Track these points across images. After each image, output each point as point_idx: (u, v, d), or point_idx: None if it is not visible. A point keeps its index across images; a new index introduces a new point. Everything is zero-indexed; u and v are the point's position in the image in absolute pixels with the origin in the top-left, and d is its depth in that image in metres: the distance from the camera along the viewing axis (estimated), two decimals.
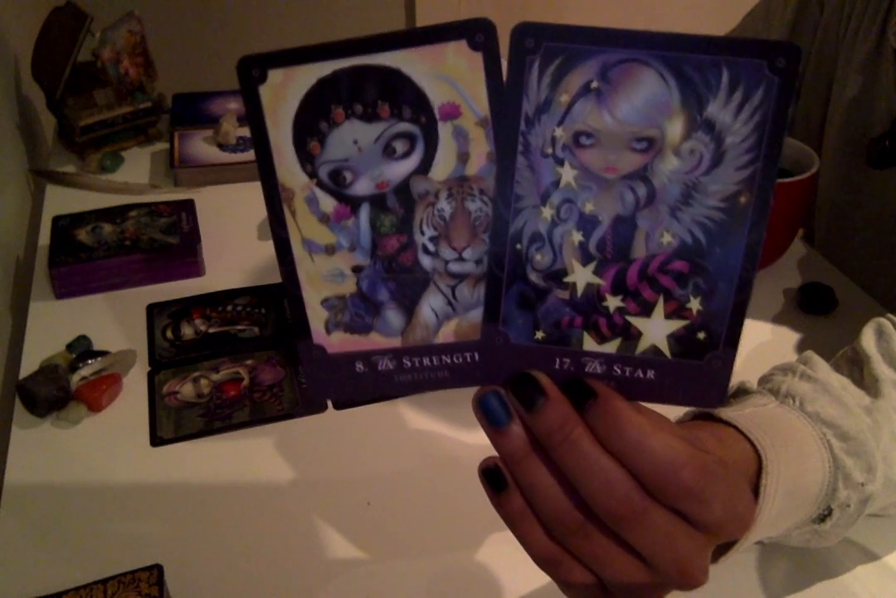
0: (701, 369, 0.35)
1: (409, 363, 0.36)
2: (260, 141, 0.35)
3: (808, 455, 0.45)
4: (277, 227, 0.36)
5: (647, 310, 0.34)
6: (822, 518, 0.46)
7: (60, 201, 0.94)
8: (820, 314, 0.78)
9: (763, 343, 0.75)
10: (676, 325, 0.34)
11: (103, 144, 1.03)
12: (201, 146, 1.03)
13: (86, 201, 0.93)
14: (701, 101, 0.32)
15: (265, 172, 0.35)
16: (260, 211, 0.93)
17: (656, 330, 0.35)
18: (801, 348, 0.75)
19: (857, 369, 0.53)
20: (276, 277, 0.83)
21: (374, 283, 0.36)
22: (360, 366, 0.37)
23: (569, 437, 0.34)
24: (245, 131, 1.04)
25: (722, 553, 0.41)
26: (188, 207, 0.89)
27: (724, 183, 0.33)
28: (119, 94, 1.01)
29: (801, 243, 0.88)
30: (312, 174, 0.35)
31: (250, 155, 1.01)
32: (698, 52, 0.31)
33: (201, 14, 1.86)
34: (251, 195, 0.96)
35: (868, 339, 0.54)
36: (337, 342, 0.37)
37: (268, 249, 0.89)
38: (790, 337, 0.76)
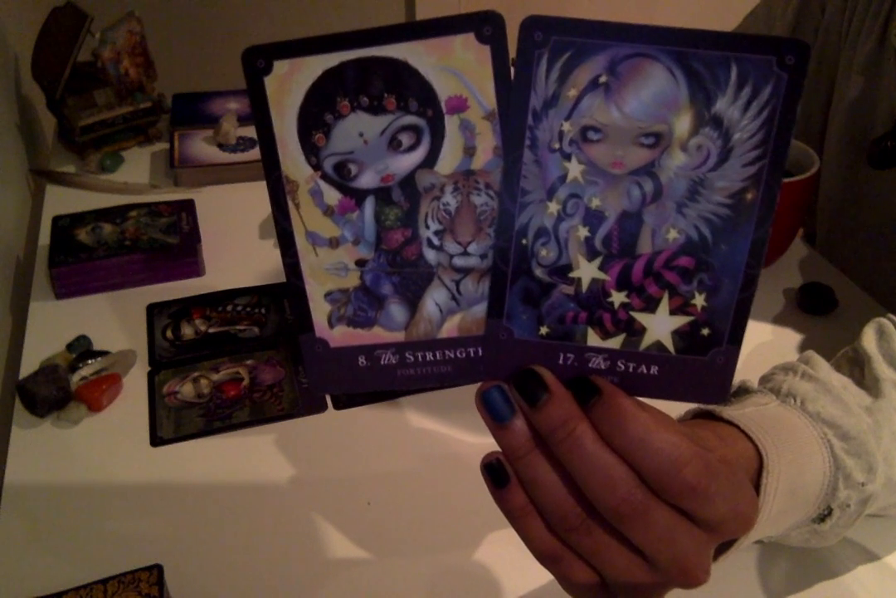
0: (704, 366, 0.35)
1: (411, 358, 0.36)
2: (264, 132, 0.35)
3: (809, 455, 0.45)
4: (281, 219, 0.36)
5: (651, 306, 0.34)
6: (822, 518, 0.46)
7: (60, 201, 0.94)
8: (820, 314, 0.78)
9: (763, 343, 0.75)
10: (681, 321, 0.34)
11: (103, 144, 1.03)
12: (201, 146, 1.03)
13: (86, 201, 0.93)
14: (709, 96, 0.32)
15: (269, 163, 0.35)
16: (260, 211, 0.93)
17: (661, 326, 0.35)
18: (801, 348, 0.75)
19: (858, 369, 0.53)
20: (276, 278, 0.83)
21: (377, 277, 0.36)
22: (362, 360, 0.37)
23: (572, 433, 0.34)
24: (245, 131, 1.04)
25: (722, 552, 0.41)
26: (188, 207, 0.89)
27: (730, 179, 0.33)
28: (119, 94, 1.01)
29: (801, 243, 0.88)
30: (317, 166, 0.35)
31: (250, 155, 1.01)
32: (707, 47, 0.31)
33: (201, 14, 1.86)
34: (251, 195, 0.97)
35: (869, 339, 0.54)
36: (339, 336, 0.37)
37: (268, 249, 0.89)
38: (790, 337, 0.76)
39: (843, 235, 0.86)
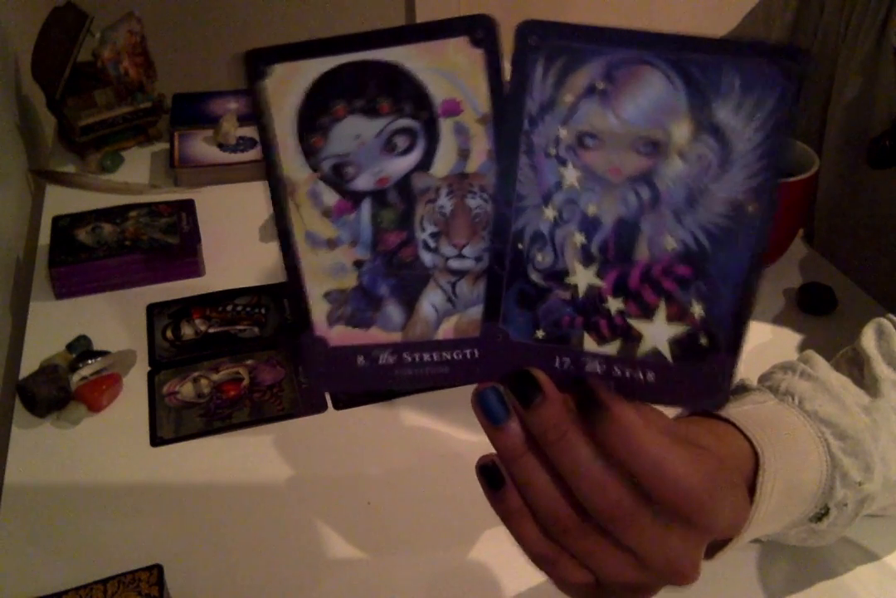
0: (702, 374, 0.34)
1: (409, 358, 0.37)
2: (264, 134, 0.35)
3: (806, 453, 0.45)
4: (281, 219, 0.36)
5: (648, 313, 0.34)
6: (820, 517, 0.46)
7: (60, 201, 0.94)
8: (820, 314, 0.78)
9: (763, 343, 0.75)
10: (678, 329, 0.34)
11: (103, 144, 1.02)
12: (201, 146, 1.03)
13: (86, 201, 0.93)
14: (709, 104, 0.31)
15: (269, 164, 0.35)
16: (260, 211, 0.93)
17: (658, 333, 0.34)
18: (801, 348, 0.75)
19: (857, 369, 0.53)
20: (276, 277, 0.83)
21: (374, 278, 0.36)
22: (360, 359, 0.37)
23: (564, 435, 0.34)
24: (245, 131, 1.04)
25: (717, 550, 0.41)
26: (188, 207, 0.89)
27: (731, 190, 0.32)
28: (119, 95, 1.01)
29: (801, 243, 0.88)
30: (316, 168, 0.35)
31: (250, 155, 1.01)
32: (707, 53, 0.30)
33: (201, 14, 1.86)
34: (251, 195, 0.97)
35: (868, 339, 0.54)
36: (338, 335, 0.37)
37: (268, 249, 0.89)
38: (790, 337, 0.76)
39: (843, 234, 0.86)
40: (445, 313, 0.36)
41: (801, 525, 0.47)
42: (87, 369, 0.69)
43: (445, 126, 0.34)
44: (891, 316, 0.56)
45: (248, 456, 0.63)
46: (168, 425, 0.66)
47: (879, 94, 0.76)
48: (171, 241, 0.83)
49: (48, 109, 1.03)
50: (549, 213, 0.34)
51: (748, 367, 0.65)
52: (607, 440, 0.33)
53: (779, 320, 0.78)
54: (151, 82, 1.05)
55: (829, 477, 0.45)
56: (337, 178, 0.35)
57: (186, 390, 0.69)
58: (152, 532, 0.58)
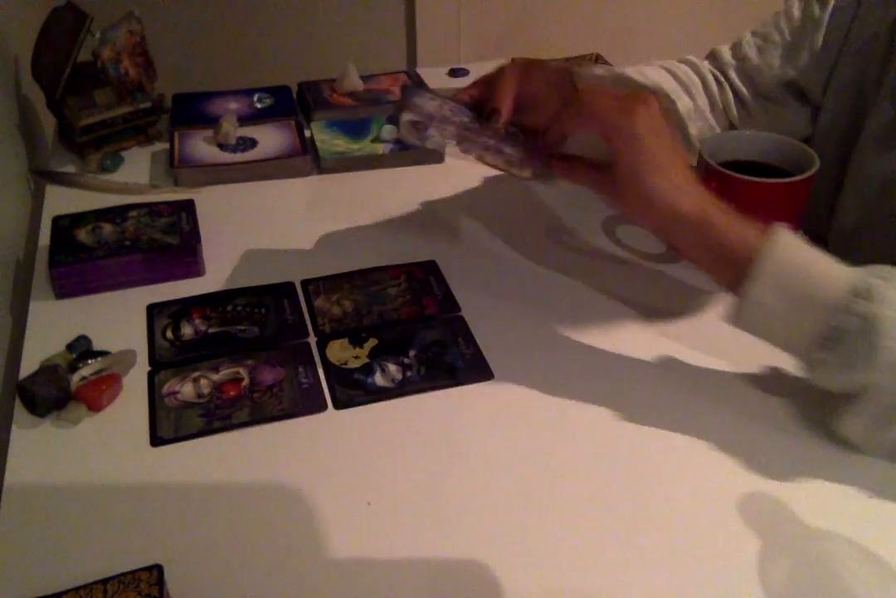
0: None
1: None
2: None
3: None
4: None
5: None
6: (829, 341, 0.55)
7: (60, 201, 0.94)
8: None
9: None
10: None
11: (103, 144, 1.02)
12: (201, 146, 1.02)
13: (86, 201, 0.93)
14: None
15: None
16: (260, 211, 0.93)
17: None
18: None
19: None
20: (276, 277, 0.83)
21: None
22: None
23: None
24: (245, 131, 1.04)
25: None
26: (188, 207, 0.89)
27: None
28: (119, 95, 1.01)
29: None
30: None
31: (250, 155, 1.01)
32: None
33: (201, 14, 1.86)
34: (251, 195, 0.97)
35: None
36: None
37: (268, 249, 0.89)
38: None
39: (880, 219, 0.84)
40: None
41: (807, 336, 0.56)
42: (87, 369, 0.69)
43: None
44: None
45: (248, 456, 0.63)
46: (168, 425, 0.66)
47: None
48: (171, 241, 0.83)
49: (48, 109, 1.03)
50: None
51: (748, 362, 0.65)
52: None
53: None
54: (151, 82, 1.05)
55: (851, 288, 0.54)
56: None
57: (186, 390, 0.69)
58: (152, 532, 0.58)
